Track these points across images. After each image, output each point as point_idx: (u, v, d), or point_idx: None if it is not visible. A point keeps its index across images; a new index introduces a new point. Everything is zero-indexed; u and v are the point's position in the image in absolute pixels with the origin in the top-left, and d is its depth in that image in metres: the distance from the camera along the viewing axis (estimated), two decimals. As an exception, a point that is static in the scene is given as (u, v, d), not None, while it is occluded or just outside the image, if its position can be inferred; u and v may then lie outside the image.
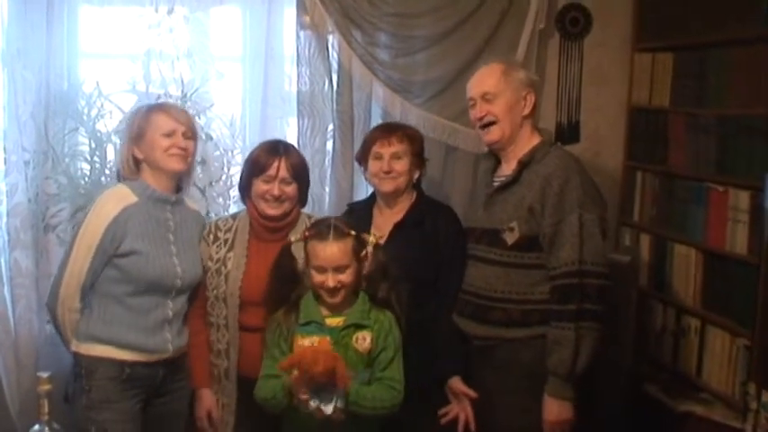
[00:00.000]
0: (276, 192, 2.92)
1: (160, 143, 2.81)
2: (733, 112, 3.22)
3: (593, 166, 2.94)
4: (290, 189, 2.95)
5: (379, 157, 3.04)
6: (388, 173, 3.01)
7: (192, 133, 2.90)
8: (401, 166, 3.02)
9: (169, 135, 2.82)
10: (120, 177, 2.92)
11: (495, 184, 2.95)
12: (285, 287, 2.72)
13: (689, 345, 3.44)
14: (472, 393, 2.88)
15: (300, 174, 2.99)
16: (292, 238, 2.75)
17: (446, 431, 2.93)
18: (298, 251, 2.74)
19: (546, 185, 2.76)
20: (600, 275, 2.75)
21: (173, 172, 2.86)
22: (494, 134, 2.90)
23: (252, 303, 2.88)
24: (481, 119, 2.90)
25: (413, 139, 3.08)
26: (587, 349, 2.72)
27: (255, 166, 2.97)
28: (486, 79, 2.92)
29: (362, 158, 3.14)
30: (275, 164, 2.93)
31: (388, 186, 3.03)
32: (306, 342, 2.61)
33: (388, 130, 3.13)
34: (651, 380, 3.48)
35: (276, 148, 2.99)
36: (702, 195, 3.37)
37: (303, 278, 2.72)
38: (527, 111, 2.90)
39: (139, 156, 2.85)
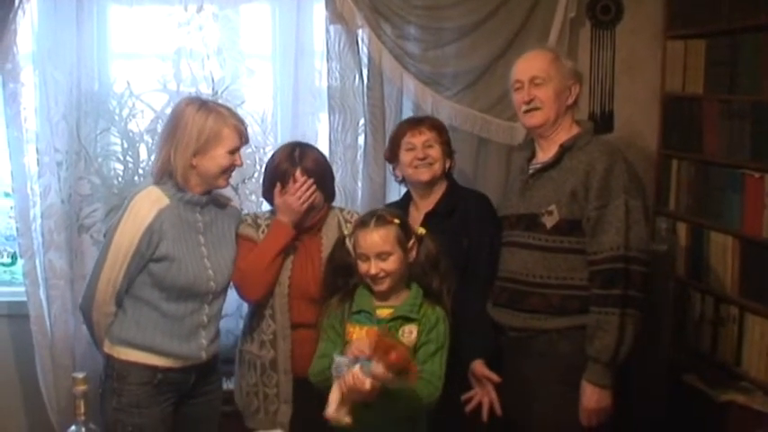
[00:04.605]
0: None
1: (222, 161, 2.84)
2: (767, 97, 3.31)
3: (628, 155, 3.01)
4: (314, 197, 3.04)
5: (411, 148, 3.18)
6: (423, 159, 3.15)
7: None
8: (435, 152, 3.17)
9: (233, 152, 2.87)
10: (158, 178, 2.90)
11: (531, 171, 3.03)
12: (338, 278, 2.87)
13: (728, 333, 3.55)
14: (494, 377, 2.95)
15: (320, 176, 3.05)
16: (345, 231, 2.91)
17: (470, 417, 3.00)
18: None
19: (590, 170, 2.84)
20: (644, 263, 2.81)
21: (220, 188, 2.97)
22: (537, 118, 2.98)
23: (296, 297, 3.01)
24: (528, 102, 2.99)
25: (440, 129, 3.26)
26: (630, 337, 2.77)
27: (273, 179, 3.06)
28: (536, 63, 3.00)
29: (392, 154, 3.28)
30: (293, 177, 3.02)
31: (425, 175, 3.17)
32: (356, 330, 2.74)
33: (416, 120, 3.32)
34: (690, 369, 3.57)
35: (290, 158, 3.04)
36: (738, 182, 3.47)
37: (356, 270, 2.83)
38: (571, 101, 3.00)
39: (194, 163, 2.84)
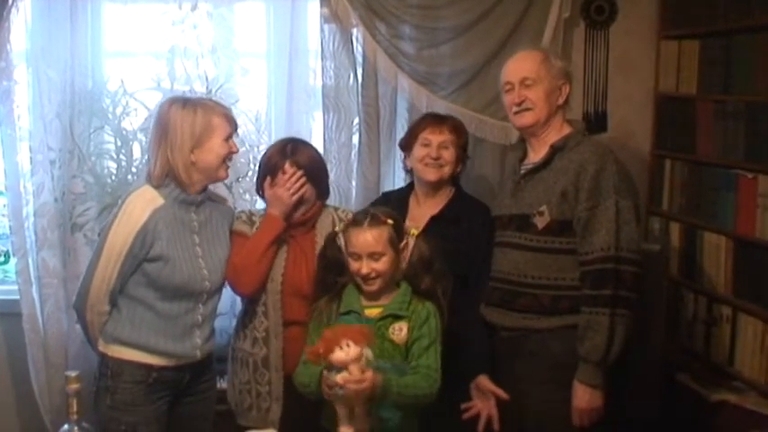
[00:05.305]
0: None
1: (219, 150, 2.88)
2: (761, 98, 3.33)
3: (622, 155, 3.01)
4: (303, 189, 3.07)
5: (427, 144, 3.20)
6: (436, 159, 3.17)
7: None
8: (449, 155, 3.19)
9: (227, 139, 2.91)
10: (153, 180, 2.88)
11: (523, 171, 3.05)
12: (330, 276, 2.87)
13: (721, 333, 3.56)
14: (502, 393, 2.96)
15: (311, 171, 3.08)
16: (337, 228, 2.92)
17: (466, 426, 3.00)
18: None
19: (581, 170, 2.86)
20: (635, 263, 2.82)
21: (221, 180, 3.00)
22: (527, 118, 2.99)
23: (288, 294, 3.03)
24: (519, 104, 3.00)
25: (460, 132, 3.28)
26: (620, 337, 2.79)
27: (265, 172, 3.10)
28: (526, 65, 3.02)
29: (407, 145, 3.29)
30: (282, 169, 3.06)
31: (432, 175, 3.19)
32: None
33: (440, 118, 3.32)
34: (683, 369, 3.59)
35: (283, 151, 3.09)
36: (731, 182, 3.48)
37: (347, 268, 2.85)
38: (561, 100, 3.01)
39: (193, 159, 2.86)
